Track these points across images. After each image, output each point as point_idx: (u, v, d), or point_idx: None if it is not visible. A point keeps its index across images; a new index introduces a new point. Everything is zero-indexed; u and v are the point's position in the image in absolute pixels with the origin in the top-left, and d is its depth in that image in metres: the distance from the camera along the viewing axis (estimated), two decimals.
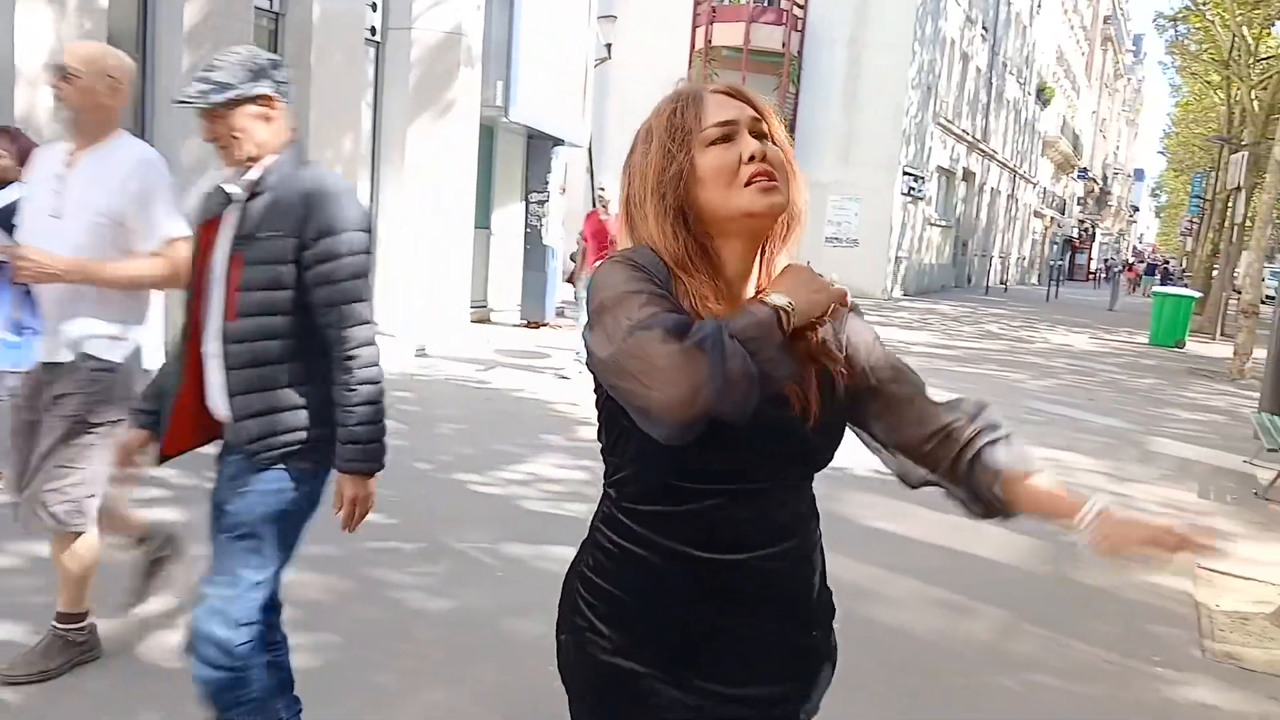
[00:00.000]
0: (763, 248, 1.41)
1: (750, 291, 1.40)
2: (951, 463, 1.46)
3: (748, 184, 1.32)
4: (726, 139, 1.34)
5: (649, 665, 1.38)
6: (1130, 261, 62.51)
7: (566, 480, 5.76)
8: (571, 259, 12.06)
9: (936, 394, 1.52)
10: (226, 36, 7.69)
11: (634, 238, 1.40)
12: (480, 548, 4.50)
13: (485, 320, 12.61)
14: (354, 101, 9.34)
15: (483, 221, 12.25)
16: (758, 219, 1.35)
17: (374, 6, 9.83)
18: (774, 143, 1.37)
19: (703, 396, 1.13)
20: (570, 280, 10.09)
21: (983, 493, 1.45)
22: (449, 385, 8.58)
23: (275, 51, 8.63)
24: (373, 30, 9.89)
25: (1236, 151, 22.03)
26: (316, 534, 4.40)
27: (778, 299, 1.26)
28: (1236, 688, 3.73)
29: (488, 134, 12.02)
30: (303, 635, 3.43)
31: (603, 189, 9.50)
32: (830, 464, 1.46)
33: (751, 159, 1.33)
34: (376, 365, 2.38)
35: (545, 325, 12.81)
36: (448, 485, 5.48)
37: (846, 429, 1.47)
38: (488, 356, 10.33)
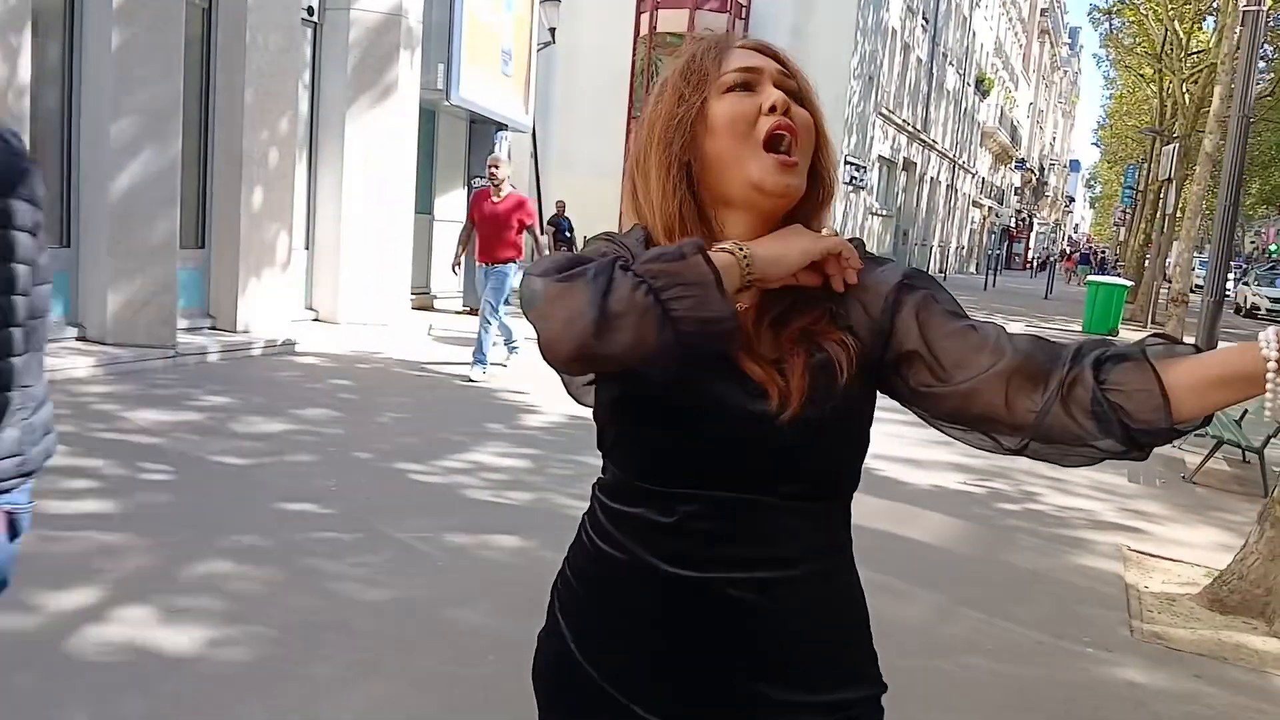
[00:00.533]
0: (787, 224, 1.20)
1: (746, 297, 1.21)
2: (1064, 392, 1.09)
3: (766, 145, 1.15)
4: (747, 87, 1.18)
5: (607, 679, 1.25)
6: (1067, 251, 63.76)
7: (510, 469, 5.72)
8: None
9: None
10: (158, 15, 7.50)
11: (633, 211, 1.25)
12: (421, 537, 4.45)
13: (428, 307, 12.48)
14: (290, 83, 9.16)
15: (424, 207, 12.11)
16: (766, 196, 1.17)
17: None
18: (804, 106, 1.21)
19: (577, 330, 0.99)
20: (455, 266, 9.16)
21: (1116, 403, 1.07)
22: (390, 373, 8.48)
23: (209, 31, 8.45)
24: (310, 10, 9.70)
25: (1168, 144, 22.56)
26: (250, 525, 4.39)
27: (729, 243, 1.11)
28: (1163, 667, 3.84)
29: (429, 117, 11.87)
30: (235, 628, 3.39)
31: (494, 166, 8.42)
32: (849, 482, 1.24)
33: (773, 110, 1.16)
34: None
35: None
36: (388, 474, 5.41)
37: (858, 433, 1.22)
38: (430, 343, 10.23)
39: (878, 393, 1.23)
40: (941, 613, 4.20)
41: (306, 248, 10.15)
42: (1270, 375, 1.02)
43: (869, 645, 1.30)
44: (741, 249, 1.10)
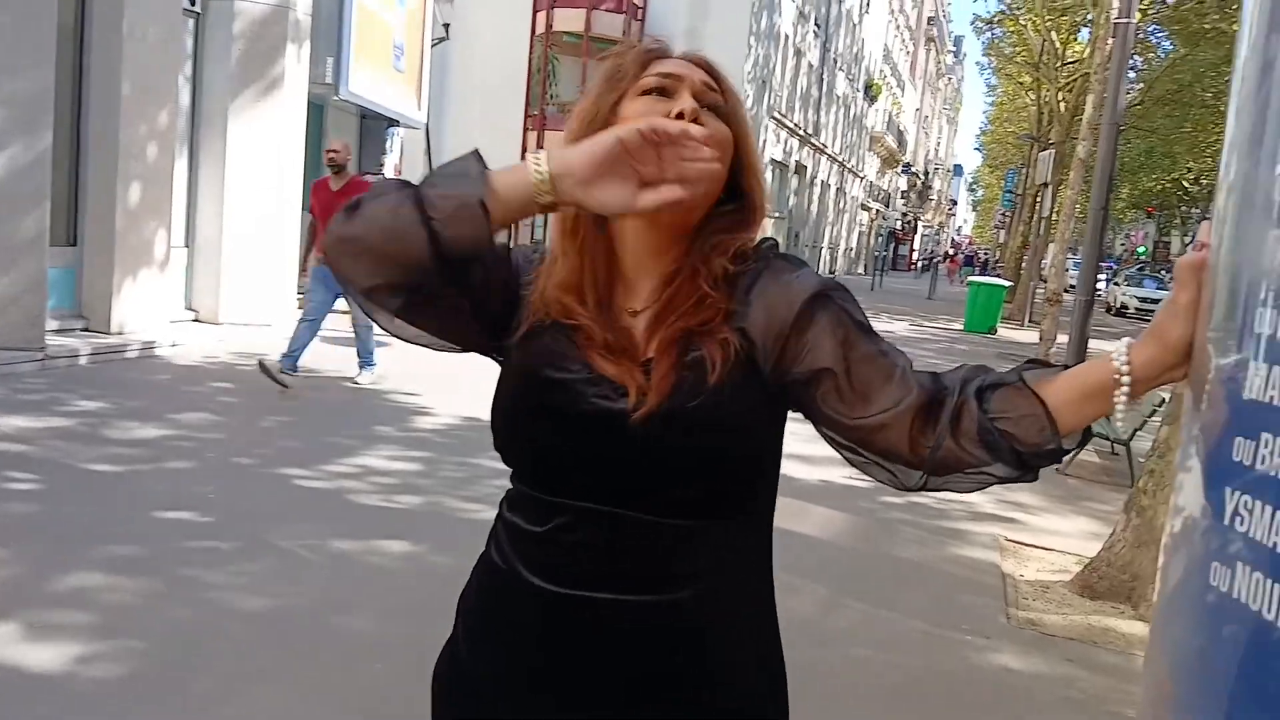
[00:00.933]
0: (697, 238, 1.16)
1: (649, 294, 1.17)
2: (952, 425, 1.10)
3: None
4: (665, 92, 1.14)
5: (490, 688, 1.22)
6: (951, 253, 65.90)
7: (399, 472, 5.62)
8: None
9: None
10: (29, 1, 7.13)
11: None
12: (305, 544, 4.33)
13: None
14: (170, 76, 8.83)
15: (310, 203, 11.80)
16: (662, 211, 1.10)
17: None
18: (728, 122, 1.16)
19: (338, 218, 1.08)
20: (302, 270, 8.05)
21: (1005, 431, 1.09)
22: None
23: (83, 20, 8.08)
24: (191, 1, 9.36)
25: (1045, 149, 23.54)
26: (124, 533, 4.21)
27: (532, 159, 1.07)
28: (1038, 652, 4.00)
29: (317, 112, 11.58)
30: (107, 643, 3.25)
31: (334, 152, 7.53)
32: (740, 498, 1.17)
33: (681, 116, 1.10)
34: None
35: None
36: (271, 480, 5.25)
37: (743, 441, 1.15)
38: (316, 344, 9.97)
39: (788, 411, 1.19)
40: (828, 605, 4.29)
41: (186, 245, 9.79)
42: (1118, 389, 1.07)
43: (766, 680, 1.24)
44: (538, 162, 1.07)
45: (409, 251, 1.06)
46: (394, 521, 4.79)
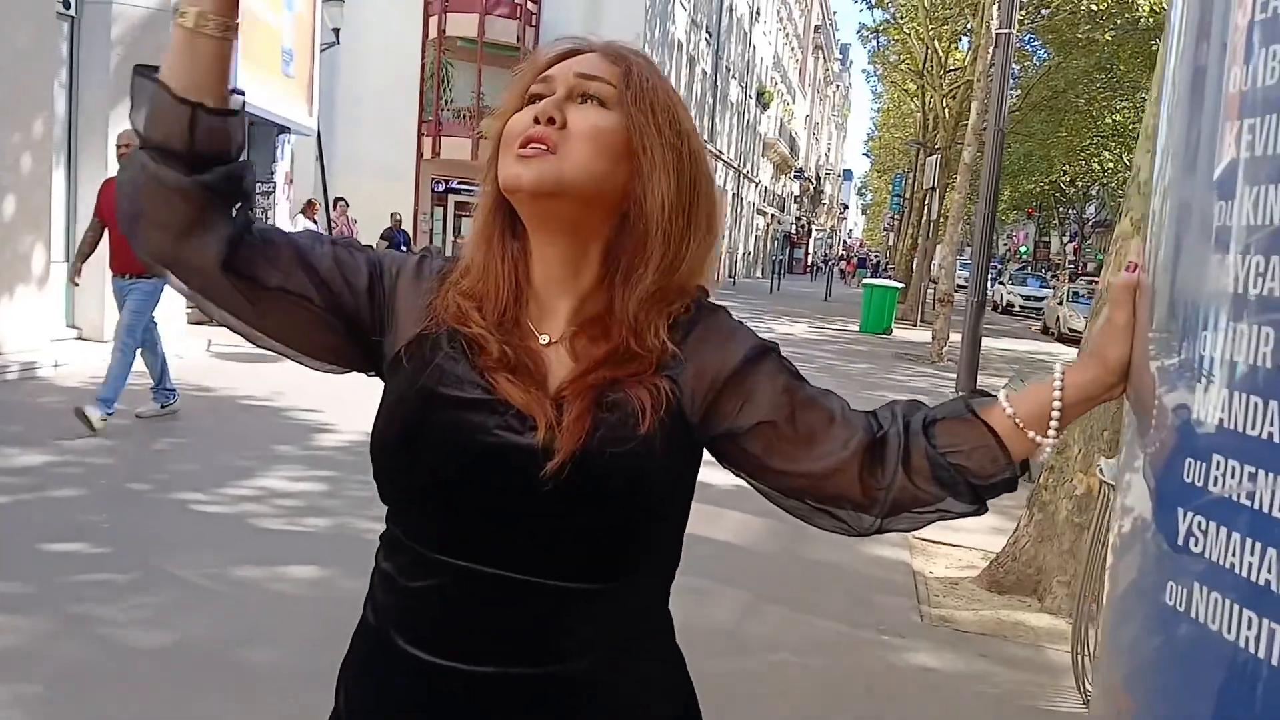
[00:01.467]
0: (610, 262, 1.08)
1: (564, 318, 1.09)
2: (903, 462, 1.08)
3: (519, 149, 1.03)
4: (542, 97, 1.07)
5: None
6: (848, 256, 67.37)
7: (303, 494, 5.44)
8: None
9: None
10: None
11: None
12: (206, 573, 4.15)
13: (203, 321, 11.70)
14: (44, 82, 8.40)
15: None
16: (513, 196, 1.05)
17: None
18: (627, 111, 1.05)
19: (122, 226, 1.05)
20: (74, 277, 7.09)
21: (958, 464, 1.08)
22: None
23: None
24: (65, 3, 8.92)
25: (931, 155, 24.27)
26: (11, 570, 3.96)
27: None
28: (951, 648, 4.08)
29: None
30: None
31: (124, 145, 6.39)
32: (649, 557, 1.09)
33: (536, 121, 1.03)
34: None
35: None
36: (166, 506, 5.02)
37: (661, 495, 1.07)
38: (209, 360, 9.62)
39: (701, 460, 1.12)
40: (747, 611, 4.30)
41: (66, 260, 9.31)
42: (1050, 415, 1.07)
43: None
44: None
45: (165, 179, 1.00)
46: (300, 546, 4.63)
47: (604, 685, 1.07)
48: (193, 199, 1.01)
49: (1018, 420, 1.09)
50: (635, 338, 1.06)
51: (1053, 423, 1.09)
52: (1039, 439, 1.09)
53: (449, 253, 1.20)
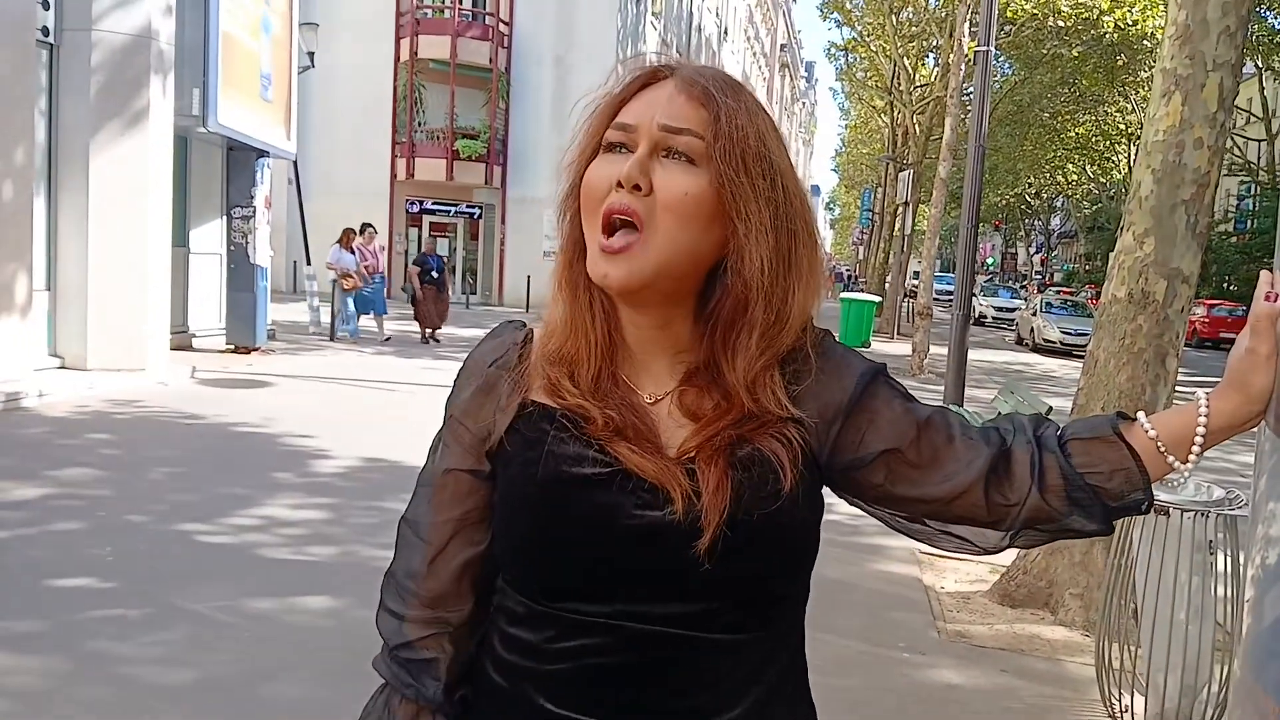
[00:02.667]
0: (710, 324, 1.03)
1: (663, 374, 1.06)
2: (1039, 480, 1.05)
3: (605, 228, 0.99)
4: (624, 147, 1.00)
5: None
6: (830, 270, 67.67)
7: (306, 521, 5.37)
8: None
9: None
10: None
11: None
12: (218, 607, 4.08)
13: (187, 347, 11.61)
14: (25, 110, 8.28)
15: (178, 239, 11.27)
16: (606, 288, 1.01)
17: (45, 4, 8.77)
18: (719, 172, 0.98)
19: None
20: None
21: (1096, 485, 1.06)
22: (154, 422, 7.77)
23: None
24: (45, 30, 8.81)
25: (903, 170, 24.50)
26: (20, 608, 3.87)
27: None
28: (973, 664, 4.09)
29: (181, 145, 11.07)
30: None
31: None
32: (795, 601, 1.08)
33: (620, 186, 0.98)
34: None
35: (255, 350, 11.98)
36: (170, 538, 4.93)
37: (803, 540, 1.05)
38: (195, 387, 9.50)
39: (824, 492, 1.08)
40: None
41: (48, 288, 9.17)
42: (1194, 441, 1.07)
43: None
44: None
45: None
46: (309, 575, 4.56)
47: None
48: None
49: (1160, 444, 1.08)
50: (753, 400, 1.02)
51: (1195, 448, 1.09)
52: (1177, 464, 1.09)
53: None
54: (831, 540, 4.98)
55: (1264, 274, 1.15)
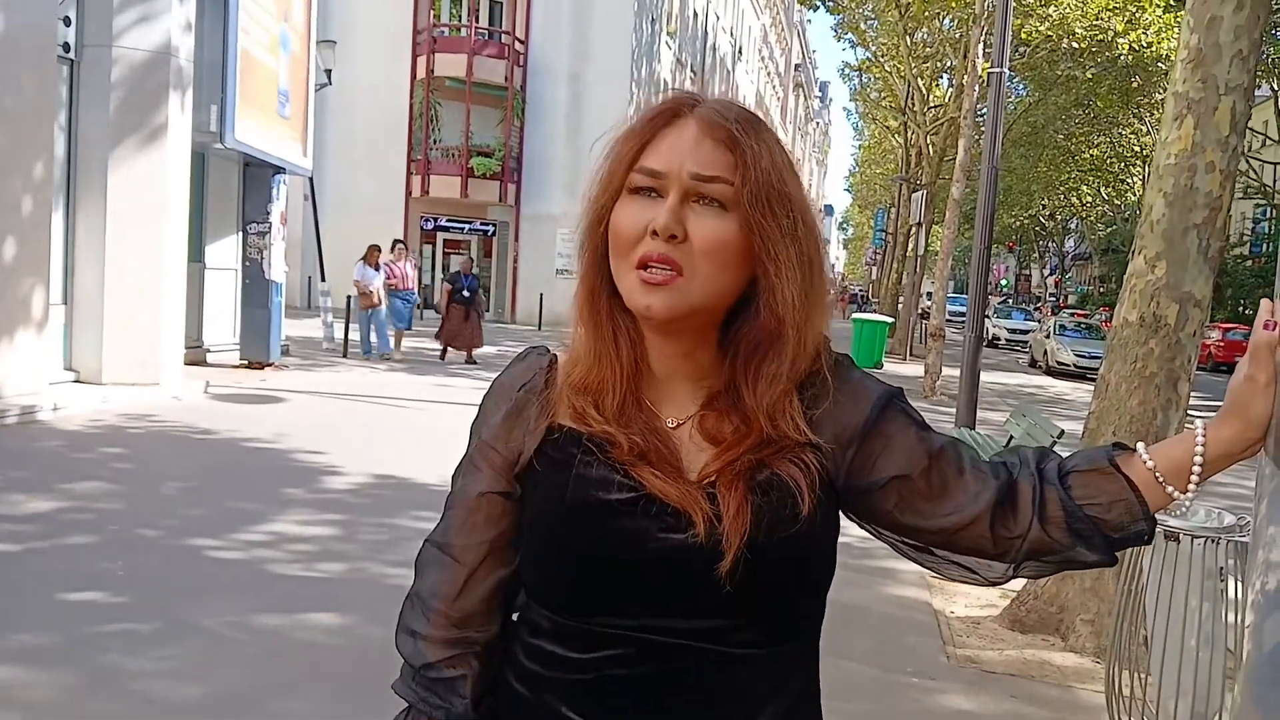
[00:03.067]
0: (732, 354, 1.07)
1: (686, 399, 1.09)
2: (1039, 512, 1.09)
3: (640, 266, 1.01)
4: (654, 191, 1.02)
5: None
6: (844, 290, 67.44)
7: (316, 538, 5.38)
8: None
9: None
10: None
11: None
12: (228, 622, 4.09)
13: (201, 362, 11.67)
14: (45, 125, 8.37)
15: (195, 254, 11.36)
16: (642, 318, 1.05)
17: (67, 21, 8.88)
18: (748, 218, 1.01)
19: None
20: None
21: (1095, 517, 1.08)
22: (167, 436, 7.82)
23: None
24: (66, 47, 8.93)
25: (915, 190, 24.50)
26: (32, 621, 3.89)
27: None
28: (982, 690, 4.06)
29: (198, 160, 11.17)
30: None
31: None
32: (813, 617, 1.10)
33: (655, 235, 1.00)
34: None
35: (269, 366, 12.04)
36: (181, 553, 4.95)
37: (820, 561, 1.08)
38: (208, 402, 9.55)
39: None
40: None
41: (65, 302, 9.25)
42: (1191, 470, 1.08)
43: None
44: None
45: None
46: (318, 592, 4.57)
47: None
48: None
49: (1158, 475, 1.10)
50: (772, 425, 1.05)
51: (1193, 478, 1.10)
52: (1176, 494, 1.10)
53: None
54: (842, 563, 4.99)
55: (1264, 302, 1.15)
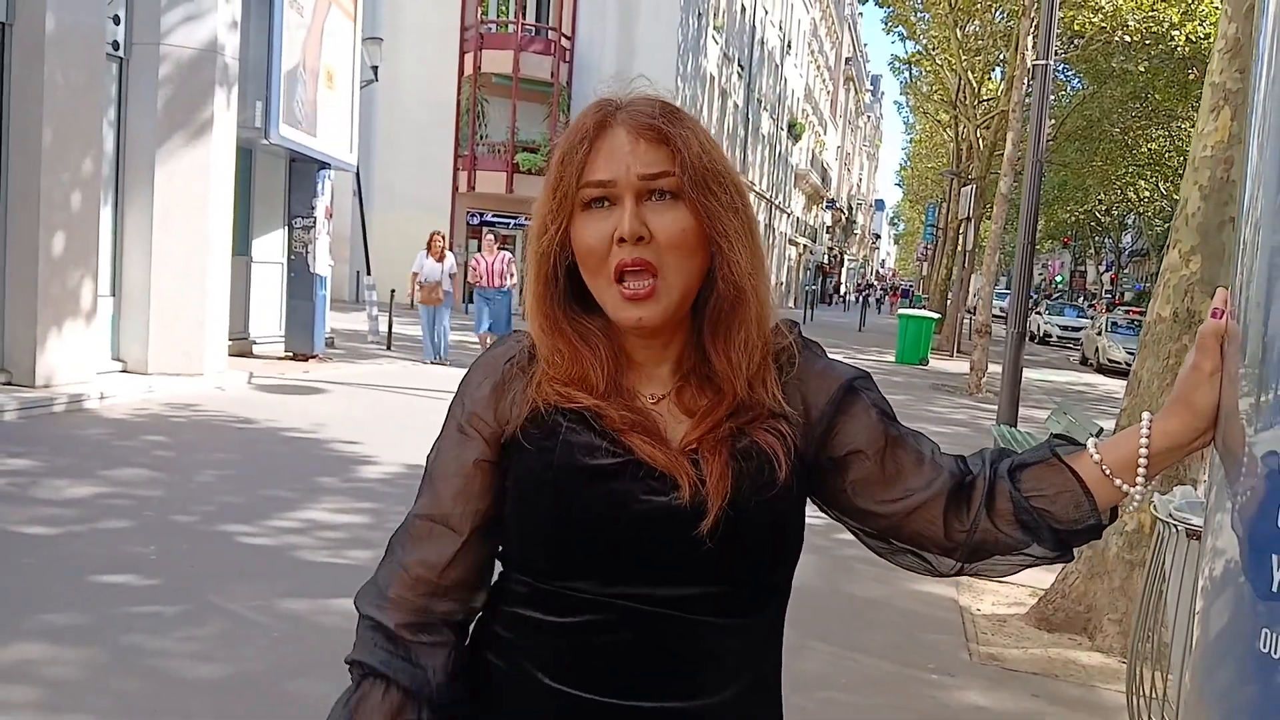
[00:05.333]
0: (699, 327, 1.11)
1: (665, 379, 1.13)
2: (987, 506, 1.11)
3: (616, 277, 1.05)
4: (607, 200, 1.06)
5: None
6: (893, 288, 66.90)
7: (347, 526, 5.46)
8: None
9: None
10: None
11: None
12: (253, 606, 4.17)
13: (246, 353, 11.89)
14: (94, 121, 8.59)
15: (241, 248, 11.58)
16: (631, 332, 1.09)
17: (116, 19, 9.09)
18: (695, 204, 1.06)
19: None
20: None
21: (1041, 509, 1.10)
22: (208, 425, 7.98)
23: (1, 64, 7.85)
24: (115, 45, 9.15)
25: (965, 185, 24.17)
26: (63, 601, 4.01)
27: None
28: (1002, 688, 4.01)
29: (245, 156, 11.38)
30: (52, 718, 3.07)
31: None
32: (782, 591, 1.13)
33: (623, 241, 1.04)
34: None
35: (314, 358, 12.23)
36: (212, 538, 5.06)
37: (792, 535, 1.10)
38: (251, 393, 9.73)
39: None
40: (797, 648, 4.24)
41: (113, 294, 9.49)
42: (1138, 464, 1.09)
43: None
44: None
45: None
46: (345, 579, 4.64)
47: (742, 715, 1.10)
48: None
49: (1105, 468, 1.10)
50: (749, 390, 1.09)
51: (1140, 471, 1.09)
52: (1126, 488, 1.10)
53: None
54: (867, 558, 4.93)
55: (1220, 291, 1.13)
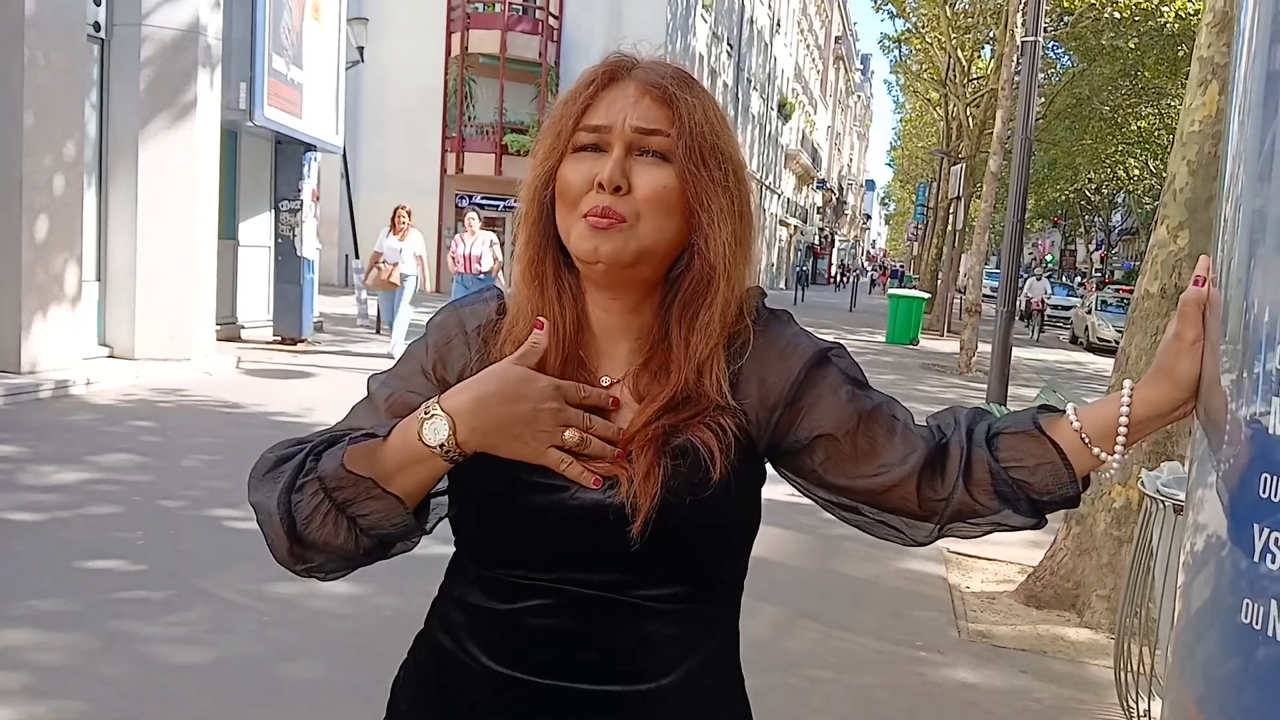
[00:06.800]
0: (668, 304, 1.09)
1: (624, 358, 1.10)
2: (964, 475, 1.09)
3: (585, 215, 1.03)
4: (598, 147, 1.05)
5: None
6: (882, 267, 66.84)
7: None
8: None
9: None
10: None
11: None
12: (241, 590, 4.16)
13: (234, 338, 11.84)
14: (75, 103, 8.50)
15: (228, 232, 11.50)
16: (587, 266, 1.05)
17: (97, 0, 8.99)
18: (683, 169, 1.04)
19: (280, 553, 1.07)
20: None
21: (1020, 480, 1.09)
22: (195, 410, 7.95)
23: None
24: (96, 26, 9.04)
25: (955, 164, 24.15)
26: (50, 587, 3.99)
27: (428, 424, 1.00)
28: (991, 665, 4.03)
29: (230, 138, 11.29)
30: (39, 704, 3.07)
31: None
32: (729, 577, 1.12)
33: (601, 187, 1.02)
34: None
35: (302, 342, 12.17)
36: (200, 523, 5.04)
37: (736, 525, 1.09)
38: (239, 377, 9.69)
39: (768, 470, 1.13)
40: (785, 627, 4.27)
41: (98, 279, 9.42)
42: (1117, 432, 1.07)
43: None
44: (444, 442, 1.00)
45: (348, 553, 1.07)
46: None
47: (684, 702, 1.08)
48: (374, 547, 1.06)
49: (1084, 436, 1.09)
50: (696, 378, 1.07)
51: (1119, 440, 1.08)
52: (1104, 456, 1.09)
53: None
54: (855, 537, 4.94)
55: (1203, 258, 1.12)
